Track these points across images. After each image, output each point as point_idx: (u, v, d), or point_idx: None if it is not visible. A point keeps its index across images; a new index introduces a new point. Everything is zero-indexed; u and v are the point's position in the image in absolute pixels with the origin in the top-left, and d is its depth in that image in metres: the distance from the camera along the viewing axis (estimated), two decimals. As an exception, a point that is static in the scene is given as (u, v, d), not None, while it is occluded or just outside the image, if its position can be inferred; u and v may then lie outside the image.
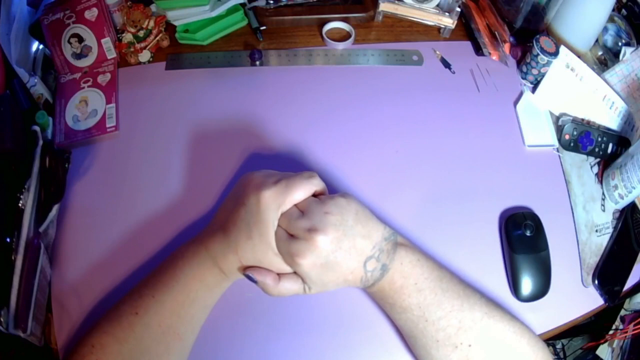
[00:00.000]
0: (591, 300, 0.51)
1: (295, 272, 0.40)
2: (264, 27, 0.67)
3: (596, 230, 0.55)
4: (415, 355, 0.44)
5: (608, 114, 0.62)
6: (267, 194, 0.38)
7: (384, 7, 0.68)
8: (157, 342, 0.39)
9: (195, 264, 0.41)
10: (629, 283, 0.54)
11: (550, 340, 0.76)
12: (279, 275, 0.40)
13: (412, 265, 0.41)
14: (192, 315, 0.42)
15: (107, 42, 0.61)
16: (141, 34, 0.63)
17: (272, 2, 0.68)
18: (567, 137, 0.60)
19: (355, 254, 0.39)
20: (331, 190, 0.43)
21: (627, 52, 0.65)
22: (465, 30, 0.71)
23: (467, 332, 0.39)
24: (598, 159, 0.61)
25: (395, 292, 0.41)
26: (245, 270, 0.40)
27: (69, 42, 0.60)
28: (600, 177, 0.59)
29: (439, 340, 0.39)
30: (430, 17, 0.69)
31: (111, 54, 0.62)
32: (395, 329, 0.46)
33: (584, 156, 0.61)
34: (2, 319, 0.38)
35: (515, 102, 0.64)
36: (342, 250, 0.38)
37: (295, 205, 0.40)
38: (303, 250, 0.37)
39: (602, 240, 0.55)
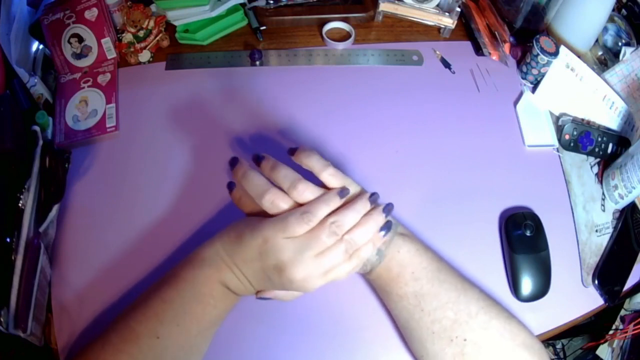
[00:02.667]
0: (591, 300, 0.51)
1: None
2: (264, 27, 0.67)
3: (596, 230, 0.55)
4: (412, 350, 0.44)
5: (608, 114, 0.62)
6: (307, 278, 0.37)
7: (384, 7, 0.68)
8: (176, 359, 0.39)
9: (221, 300, 0.41)
10: (629, 283, 0.54)
11: (550, 340, 0.76)
12: None
13: (410, 255, 0.41)
14: (212, 333, 0.42)
15: (107, 42, 0.61)
16: (141, 34, 0.63)
17: (272, 2, 0.68)
18: (567, 137, 0.60)
19: None
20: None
21: (627, 52, 0.65)
22: (465, 30, 0.71)
23: (463, 326, 0.39)
24: (598, 159, 0.61)
25: (392, 280, 0.41)
26: (257, 294, 0.41)
27: (69, 42, 0.60)
28: (600, 177, 0.59)
29: (434, 332, 0.40)
30: (430, 17, 0.69)
31: (111, 54, 0.62)
32: (395, 328, 0.46)
33: (584, 156, 0.61)
34: (2, 319, 0.38)
35: (515, 102, 0.64)
36: None
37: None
38: None
39: (602, 240, 0.55)
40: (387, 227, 0.40)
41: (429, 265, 0.42)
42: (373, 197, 0.41)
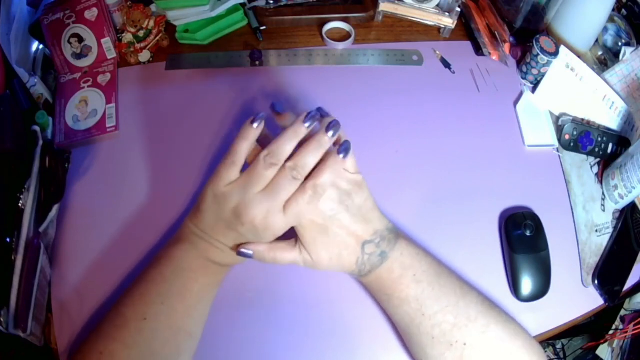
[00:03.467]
0: (591, 300, 0.51)
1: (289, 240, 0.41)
2: (264, 27, 0.67)
3: (596, 230, 0.55)
4: (412, 354, 0.44)
5: (608, 114, 0.62)
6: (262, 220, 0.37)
7: (384, 7, 0.68)
8: (168, 343, 0.39)
9: (202, 273, 0.41)
10: (629, 283, 0.54)
11: (550, 340, 0.76)
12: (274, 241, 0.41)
13: (412, 258, 0.41)
14: (201, 313, 0.42)
15: (107, 42, 0.61)
16: (141, 34, 0.63)
17: (272, 2, 0.68)
18: (567, 137, 0.60)
19: (353, 233, 0.41)
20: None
21: (627, 52, 0.65)
22: (465, 30, 0.71)
23: (462, 330, 0.39)
24: (598, 159, 0.61)
25: (394, 282, 0.41)
26: (238, 248, 0.41)
27: (69, 42, 0.60)
28: (600, 177, 0.59)
29: (434, 337, 0.40)
30: (430, 17, 0.69)
31: (111, 54, 0.62)
32: (395, 329, 0.46)
33: (584, 156, 0.61)
34: (2, 319, 0.38)
35: (515, 102, 0.64)
36: (341, 222, 0.40)
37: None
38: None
39: (602, 240, 0.55)
40: (344, 149, 0.39)
41: (429, 269, 0.42)
42: (309, 117, 0.39)
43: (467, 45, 0.70)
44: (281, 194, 0.37)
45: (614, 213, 0.57)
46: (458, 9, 0.66)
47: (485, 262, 0.52)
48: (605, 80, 0.63)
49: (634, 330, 0.57)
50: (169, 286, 0.40)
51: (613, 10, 0.67)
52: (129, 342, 0.38)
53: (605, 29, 0.70)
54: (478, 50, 0.68)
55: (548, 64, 0.62)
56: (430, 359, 0.40)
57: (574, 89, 0.62)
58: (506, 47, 0.68)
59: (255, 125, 0.39)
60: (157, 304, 0.39)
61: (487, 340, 0.39)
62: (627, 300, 0.58)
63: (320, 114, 0.40)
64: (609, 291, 0.51)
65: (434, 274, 0.41)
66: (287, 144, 0.38)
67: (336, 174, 0.39)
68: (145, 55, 0.64)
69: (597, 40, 0.70)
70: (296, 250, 0.42)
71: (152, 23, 0.63)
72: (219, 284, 0.44)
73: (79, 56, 0.61)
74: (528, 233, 0.51)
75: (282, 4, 0.69)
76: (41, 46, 0.61)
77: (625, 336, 0.59)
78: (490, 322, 0.40)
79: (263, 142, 0.40)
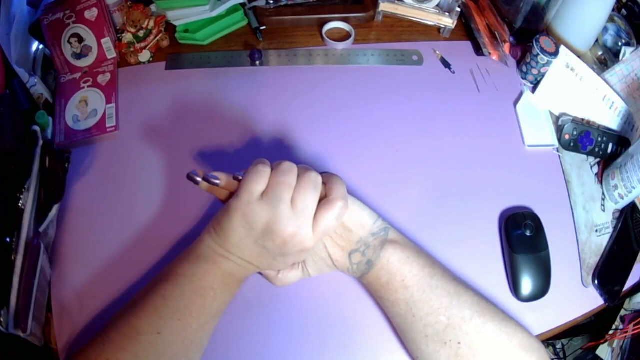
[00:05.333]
0: (591, 300, 0.51)
1: None
2: (264, 27, 0.67)
3: (596, 230, 0.55)
4: (408, 350, 0.44)
5: (608, 114, 0.62)
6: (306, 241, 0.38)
7: (384, 7, 0.68)
8: (179, 356, 0.39)
9: (222, 290, 0.41)
10: (629, 283, 0.54)
11: (550, 340, 0.76)
12: None
13: (400, 263, 0.41)
14: (213, 325, 0.42)
15: (107, 42, 0.61)
16: (141, 34, 0.63)
17: (272, 2, 0.68)
18: (567, 137, 0.60)
19: (339, 243, 0.42)
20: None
21: (627, 52, 0.65)
22: (465, 30, 0.71)
23: (456, 330, 0.39)
24: (598, 159, 0.61)
25: (382, 287, 0.42)
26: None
27: (69, 42, 0.60)
28: (600, 177, 0.59)
29: (427, 336, 0.40)
30: (430, 17, 0.69)
31: (111, 54, 0.62)
32: (394, 327, 0.46)
33: (584, 156, 0.61)
34: (2, 319, 0.38)
35: (515, 102, 0.64)
36: (331, 237, 0.42)
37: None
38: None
39: (602, 240, 0.55)
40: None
41: (419, 272, 0.41)
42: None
43: (467, 45, 0.70)
44: (307, 207, 0.38)
45: (614, 213, 0.57)
46: (458, 9, 0.66)
47: (485, 262, 0.52)
48: (605, 80, 0.63)
49: (634, 330, 0.57)
50: (188, 304, 0.39)
51: (613, 10, 0.67)
52: (140, 354, 0.37)
53: (605, 29, 0.70)
54: (478, 50, 0.68)
55: (548, 64, 0.62)
56: (424, 355, 0.41)
57: (574, 89, 0.62)
58: (506, 47, 0.68)
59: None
60: (173, 320, 0.38)
61: (483, 339, 0.39)
62: (627, 300, 0.58)
63: None
64: (609, 291, 0.51)
65: (426, 276, 0.41)
66: (293, 168, 0.39)
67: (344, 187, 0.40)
68: (145, 55, 0.64)
69: (597, 40, 0.70)
70: (299, 269, 0.45)
71: (152, 23, 0.63)
72: (232, 299, 0.43)
73: (79, 56, 0.61)
74: (528, 233, 0.51)
75: (282, 4, 0.69)
76: (41, 46, 0.61)
77: (625, 336, 0.59)
78: (486, 322, 0.40)
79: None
